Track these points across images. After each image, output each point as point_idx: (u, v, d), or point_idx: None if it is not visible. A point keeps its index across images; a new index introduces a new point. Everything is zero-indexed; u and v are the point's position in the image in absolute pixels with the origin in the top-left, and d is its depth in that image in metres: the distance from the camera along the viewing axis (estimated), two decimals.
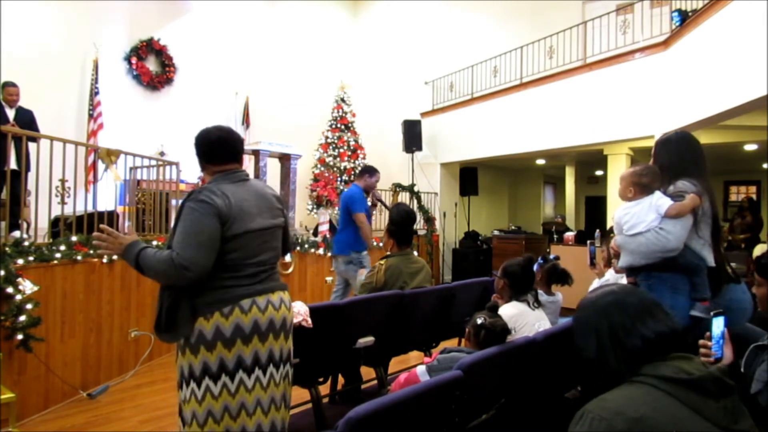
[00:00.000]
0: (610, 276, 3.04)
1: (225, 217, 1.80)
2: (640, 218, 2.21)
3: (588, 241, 3.25)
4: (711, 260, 2.22)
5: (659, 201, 2.19)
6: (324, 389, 2.79)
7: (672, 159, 2.33)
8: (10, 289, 3.00)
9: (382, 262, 3.25)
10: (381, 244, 6.55)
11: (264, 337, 1.83)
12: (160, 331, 1.83)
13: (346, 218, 4.59)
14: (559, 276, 3.04)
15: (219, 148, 1.96)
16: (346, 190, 4.97)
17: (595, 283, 3.30)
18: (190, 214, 1.79)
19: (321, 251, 6.35)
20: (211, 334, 1.76)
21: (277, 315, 1.89)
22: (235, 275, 1.83)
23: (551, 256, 3.24)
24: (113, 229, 1.92)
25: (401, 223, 3.36)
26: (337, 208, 8.84)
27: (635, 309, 1.17)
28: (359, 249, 4.56)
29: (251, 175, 2.16)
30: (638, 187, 2.28)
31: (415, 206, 8.79)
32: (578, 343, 1.23)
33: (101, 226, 1.96)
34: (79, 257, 3.65)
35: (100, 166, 4.61)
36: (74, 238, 3.72)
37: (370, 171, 4.76)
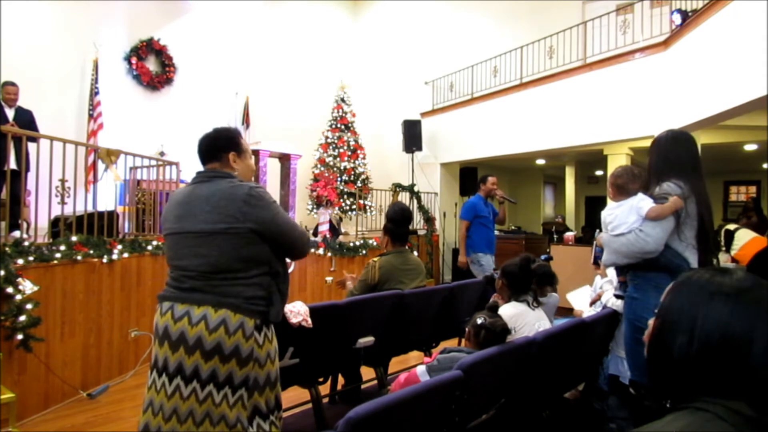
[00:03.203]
0: (613, 276, 3.03)
1: (162, 218, 1.96)
2: (622, 219, 2.26)
3: (594, 241, 3.24)
4: (694, 261, 2.24)
5: (640, 203, 2.23)
6: (324, 389, 2.79)
7: (659, 159, 2.35)
8: (10, 289, 3.00)
9: (375, 259, 3.25)
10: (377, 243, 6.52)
11: (161, 343, 1.79)
12: None
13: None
14: (540, 278, 2.97)
15: (199, 152, 1.99)
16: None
17: (598, 281, 3.30)
18: None
19: (321, 251, 6.35)
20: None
21: (173, 325, 1.75)
22: (171, 275, 1.87)
23: (542, 257, 3.22)
24: None
25: (396, 221, 3.39)
26: (337, 208, 8.86)
27: None
28: (476, 251, 5.20)
29: None
30: (614, 188, 2.36)
31: (415, 206, 8.79)
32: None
33: None
34: (79, 257, 3.65)
35: (100, 166, 4.61)
36: (74, 238, 3.72)
37: (483, 180, 5.44)
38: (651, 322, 0.95)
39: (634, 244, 2.18)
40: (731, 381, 0.82)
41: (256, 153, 6.38)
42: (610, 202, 2.42)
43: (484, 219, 5.23)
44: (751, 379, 0.81)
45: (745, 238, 5.18)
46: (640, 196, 2.26)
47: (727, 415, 0.79)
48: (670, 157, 2.32)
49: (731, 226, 5.62)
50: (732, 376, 0.82)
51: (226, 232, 1.76)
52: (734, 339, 0.82)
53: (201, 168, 1.97)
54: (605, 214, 2.36)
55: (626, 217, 2.24)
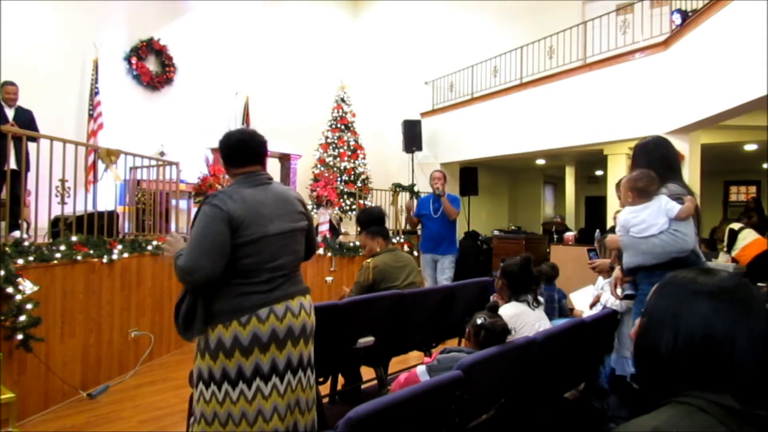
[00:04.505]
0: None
1: (237, 222, 1.79)
2: (651, 221, 2.31)
3: (587, 248, 3.24)
4: (702, 256, 2.41)
5: (668, 205, 2.29)
6: (324, 389, 2.79)
7: (656, 163, 2.46)
8: (10, 289, 3.00)
9: (369, 260, 3.30)
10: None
11: (282, 345, 1.83)
12: (179, 330, 1.87)
13: None
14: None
15: (239, 151, 1.96)
16: None
17: (600, 281, 3.29)
18: (201, 220, 1.81)
19: (321, 251, 6.35)
20: (229, 342, 1.78)
21: (296, 321, 1.88)
22: (251, 281, 1.82)
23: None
24: (178, 236, 2.07)
25: (378, 221, 3.56)
26: (337, 208, 8.86)
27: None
28: (420, 248, 5.29)
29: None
30: (635, 191, 2.39)
31: (415, 206, 8.77)
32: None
33: (171, 232, 2.08)
34: (79, 257, 3.65)
35: (100, 166, 4.61)
36: (74, 238, 3.72)
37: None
38: (637, 321, 0.96)
39: (672, 244, 2.25)
40: (716, 377, 0.83)
41: None
42: (626, 206, 2.44)
43: (424, 216, 5.24)
44: (735, 375, 0.82)
45: (748, 238, 5.16)
46: (666, 198, 2.32)
47: (710, 407, 0.80)
48: (659, 159, 2.45)
49: (735, 226, 5.60)
50: (716, 373, 0.83)
51: (304, 228, 2.04)
52: (717, 337, 0.84)
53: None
54: (626, 217, 2.40)
55: (655, 219, 2.29)
